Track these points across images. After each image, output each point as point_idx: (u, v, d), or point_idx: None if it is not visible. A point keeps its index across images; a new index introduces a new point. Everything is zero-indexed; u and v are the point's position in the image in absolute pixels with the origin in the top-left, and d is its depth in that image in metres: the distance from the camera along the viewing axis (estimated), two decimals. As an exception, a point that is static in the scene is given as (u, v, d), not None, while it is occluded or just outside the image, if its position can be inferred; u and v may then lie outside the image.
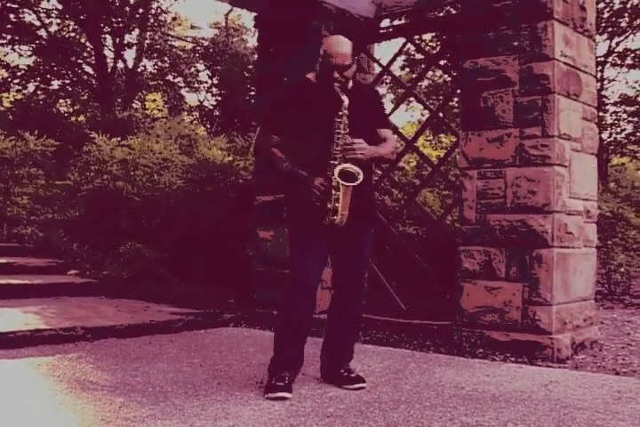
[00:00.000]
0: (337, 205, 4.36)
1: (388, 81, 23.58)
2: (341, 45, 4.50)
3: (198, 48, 27.58)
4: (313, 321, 4.69)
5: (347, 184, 4.33)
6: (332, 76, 4.47)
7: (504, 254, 6.09)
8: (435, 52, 14.73)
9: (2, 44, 24.39)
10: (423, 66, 15.34)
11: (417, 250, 7.75)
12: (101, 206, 10.24)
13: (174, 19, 27.39)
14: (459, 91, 7.28)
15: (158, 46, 26.62)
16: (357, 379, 4.64)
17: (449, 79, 19.82)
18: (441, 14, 12.62)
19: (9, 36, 23.91)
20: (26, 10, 23.98)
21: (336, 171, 4.33)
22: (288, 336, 4.58)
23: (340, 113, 4.39)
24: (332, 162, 4.37)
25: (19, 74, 25.40)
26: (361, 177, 4.34)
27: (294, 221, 4.64)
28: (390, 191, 8.87)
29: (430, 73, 24.26)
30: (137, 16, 24.91)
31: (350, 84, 4.57)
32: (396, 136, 7.29)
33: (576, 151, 6.23)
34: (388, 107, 36.39)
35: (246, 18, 28.34)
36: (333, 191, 4.35)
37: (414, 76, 19.17)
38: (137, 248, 9.01)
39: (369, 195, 4.78)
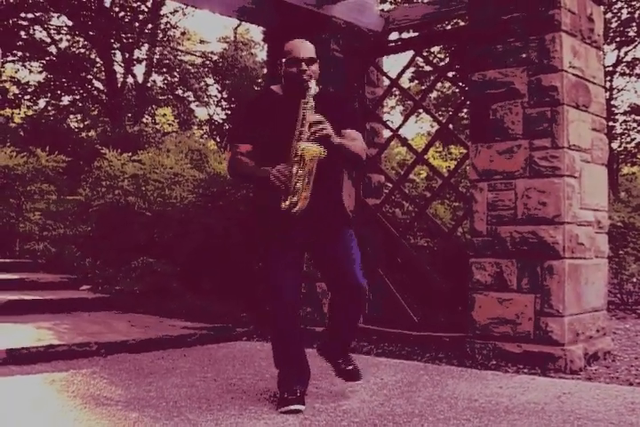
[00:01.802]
0: (299, 185, 4.24)
1: (396, 93, 23.60)
2: (304, 42, 4.59)
3: (207, 62, 27.69)
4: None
5: (311, 154, 4.20)
6: (300, 69, 4.48)
7: (515, 266, 6.09)
8: (443, 64, 14.74)
9: (13, 61, 24.54)
10: (432, 78, 15.35)
11: (428, 262, 7.75)
12: (113, 221, 10.27)
13: (183, 33, 27.52)
14: (468, 103, 7.31)
15: (167, 61, 26.74)
16: (351, 374, 4.72)
17: (457, 91, 19.83)
18: (449, 27, 12.68)
19: (20, 53, 24.06)
20: (36, 27, 24.12)
21: (301, 145, 4.22)
22: (286, 351, 4.60)
23: (305, 97, 4.37)
24: (295, 143, 4.29)
25: (29, 90, 25.53)
26: (324, 153, 4.21)
27: (263, 231, 4.63)
28: (401, 204, 8.88)
29: (439, 84, 24.30)
30: (146, 31, 25.03)
31: (316, 87, 4.47)
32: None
33: (586, 162, 6.24)
34: (397, 119, 36.45)
35: (255, 32, 28.43)
36: (295, 169, 4.23)
37: (423, 88, 19.18)
38: (149, 263, 9.03)
39: (339, 202, 4.75)
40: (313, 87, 4.42)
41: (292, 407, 4.30)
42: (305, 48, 4.56)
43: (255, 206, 4.76)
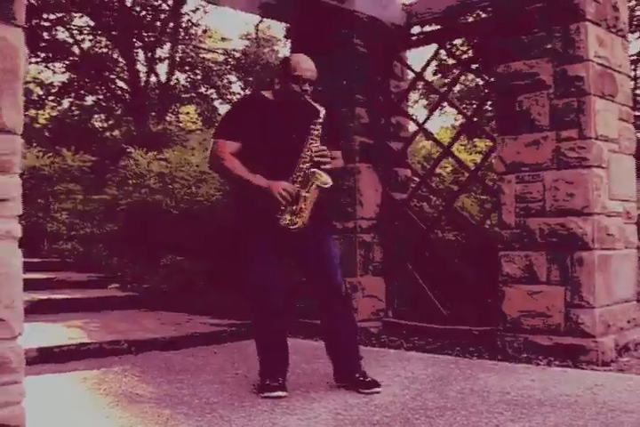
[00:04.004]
0: (303, 206, 4.55)
1: (419, 87, 23.51)
2: (309, 62, 4.75)
3: (230, 60, 27.70)
4: None
5: (322, 181, 4.55)
6: (303, 89, 4.66)
7: (545, 258, 6.06)
8: (467, 56, 14.66)
9: (36, 62, 24.65)
10: (455, 71, 15.27)
11: (456, 255, 7.73)
12: (140, 220, 10.30)
13: (205, 31, 27.51)
14: (493, 95, 7.28)
15: (190, 59, 26.76)
16: (373, 383, 4.70)
17: (481, 83, 19.73)
18: (471, 19, 12.60)
19: (43, 54, 24.16)
20: (59, 27, 24.22)
21: (315, 172, 4.55)
22: (268, 346, 4.80)
23: (316, 121, 4.60)
24: (301, 166, 4.58)
25: (53, 91, 25.64)
26: (330, 182, 4.57)
27: (250, 225, 4.74)
28: (428, 198, 8.84)
29: (462, 77, 24.19)
30: (168, 30, 25.08)
31: (322, 110, 4.67)
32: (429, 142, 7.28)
33: (614, 152, 6.19)
34: (420, 113, 36.32)
35: (276, 28, 28.33)
36: (303, 193, 4.54)
37: (446, 81, 19.09)
38: (177, 261, 9.06)
39: (324, 205, 4.82)
40: (322, 109, 4.62)
41: (275, 394, 4.51)
42: (312, 69, 4.74)
43: (242, 208, 4.85)
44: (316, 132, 4.59)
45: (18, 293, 2.70)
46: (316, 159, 4.57)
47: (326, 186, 4.56)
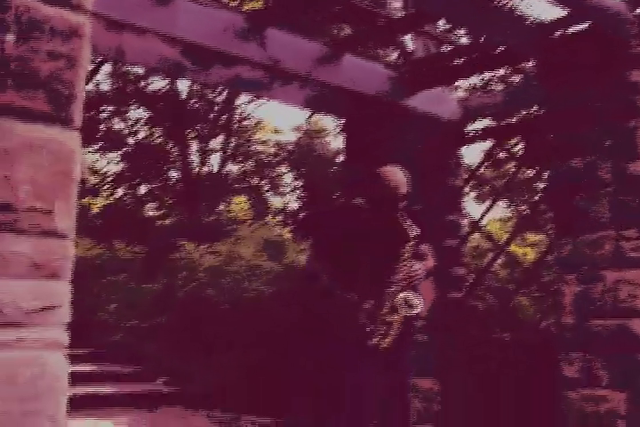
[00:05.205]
0: (391, 331, 4.42)
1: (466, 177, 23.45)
2: (402, 177, 4.57)
3: (281, 151, 27.96)
4: None
5: (411, 313, 4.46)
6: (397, 207, 4.51)
7: (605, 361, 5.83)
8: (521, 152, 14.65)
9: (92, 152, 25.10)
10: (507, 164, 15.25)
11: (512, 357, 7.51)
12: (190, 313, 10.22)
13: (257, 123, 27.89)
14: (548, 191, 7.18)
15: (242, 151, 27.07)
16: None
17: (534, 177, 19.66)
18: (524, 112, 12.61)
19: (99, 144, 24.64)
20: (116, 119, 24.76)
21: (400, 297, 4.45)
22: None
23: (410, 243, 4.50)
24: (392, 289, 4.46)
25: (108, 180, 26.03)
26: (420, 309, 4.48)
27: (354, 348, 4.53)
28: (483, 296, 8.68)
29: (513, 168, 24.09)
30: (221, 122, 25.45)
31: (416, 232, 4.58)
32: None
33: (677, 252, 6.01)
34: (471, 205, 36.21)
35: (328, 120, 28.64)
36: (391, 317, 4.42)
37: (497, 174, 19.09)
38: (227, 357, 8.92)
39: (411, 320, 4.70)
40: (416, 231, 4.52)
41: None
42: (405, 184, 4.55)
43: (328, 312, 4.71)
44: (407, 254, 4.50)
45: (62, 405, 2.59)
46: (406, 282, 4.48)
47: (414, 313, 4.48)
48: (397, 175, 4.57)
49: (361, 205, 4.75)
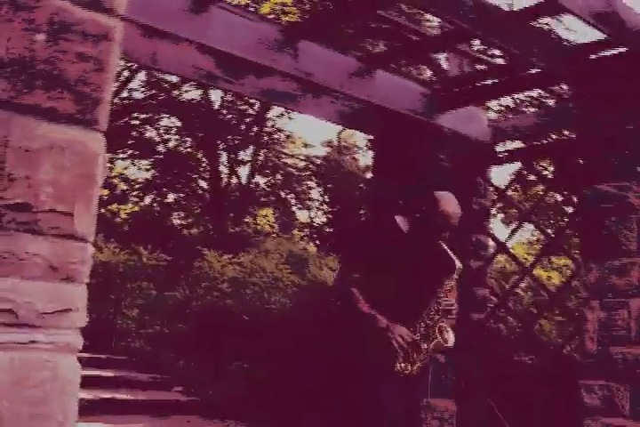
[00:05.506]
0: (418, 357, 4.36)
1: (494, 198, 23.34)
2: (457, 206, 4.49)
3: (310, 166, 27.97)
4: None
5: (445, 345, 4.39)
6: (443, 236, 4.46)
7: (627, 389, 5.74)
8: (551, 175, 14.57)
9: (123, 158, 25.25)
10: (536, 187, 15.16)
11: (533, 381, 7.43)
12: (210, 323, 10.22)
13: (288, 137, 27.93)
14: (576, 215, 7.11)
15: (271, 163, 27.11)
16: None
17: (560, 198, 19.52)
18: (555, 136, 12.54)
19: (129, 151, 24.78)
20: (147, 126, 24.90)
21: (438, 327, 4.39)
22: None
23: (451, 276, 4.41)
24: (427, 320, 4.39)
25: (137, 187, 26.16)
26: (453, 342, 4.41)
27: (379, 368, 4.43)
28: (505, 319, 8.60)
29: (541, 191, 23.95)
30: (252, 134, 25.52)
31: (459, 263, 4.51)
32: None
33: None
34: (497, 227, 36.03)
35: (358, 136, 28.62)
36: (423, 345, 4.36)
37: (524, 195, 18.98)
38: (244, 368, 8.90)
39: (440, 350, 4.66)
40: (459, 265, 4.45)
41: None
42: (458, 214, 4.50)
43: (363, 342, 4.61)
44: (448, 287, 4.42)
45: (73, 410, 2.56)
46: (444, 313, 4.41)
47: (448, 346, 4.42)
48: (455, 204, 4.50)
49: (400, 223, 4.63)
